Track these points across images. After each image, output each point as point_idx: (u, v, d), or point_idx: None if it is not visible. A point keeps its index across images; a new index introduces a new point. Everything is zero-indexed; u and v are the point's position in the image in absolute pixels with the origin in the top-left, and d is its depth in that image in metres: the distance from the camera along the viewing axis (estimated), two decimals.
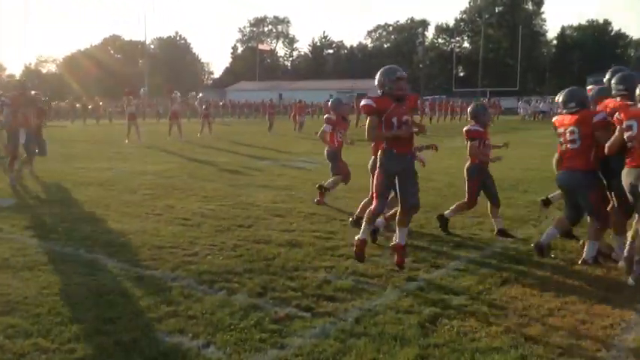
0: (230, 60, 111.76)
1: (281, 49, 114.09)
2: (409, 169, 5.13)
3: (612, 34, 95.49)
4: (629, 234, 5.02)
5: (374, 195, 5.25)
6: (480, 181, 6.54)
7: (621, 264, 5.11)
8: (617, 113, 4.94)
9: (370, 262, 5.38)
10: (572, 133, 5.25)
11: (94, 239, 6.12)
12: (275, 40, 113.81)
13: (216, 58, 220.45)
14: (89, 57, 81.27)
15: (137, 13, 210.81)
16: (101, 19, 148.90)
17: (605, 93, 5.69)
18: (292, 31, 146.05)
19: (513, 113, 52.04)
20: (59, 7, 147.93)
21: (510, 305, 4.29)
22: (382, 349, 3.50)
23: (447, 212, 6.81)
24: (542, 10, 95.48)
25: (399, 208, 5.23)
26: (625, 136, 4.82)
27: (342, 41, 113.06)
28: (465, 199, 6.67)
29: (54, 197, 8.96)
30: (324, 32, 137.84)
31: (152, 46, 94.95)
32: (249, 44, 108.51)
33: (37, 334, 3.65)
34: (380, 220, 6.04)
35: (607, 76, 5.75)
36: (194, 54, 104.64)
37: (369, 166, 6.47)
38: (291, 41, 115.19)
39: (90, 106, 40.39)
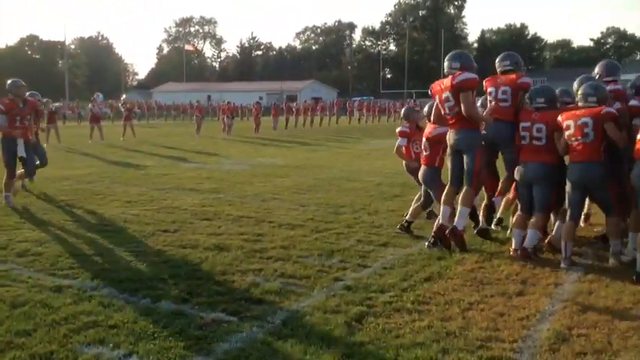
0: (156, 61, 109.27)
1: (208, 50, 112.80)
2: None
3: (529, 37, 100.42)
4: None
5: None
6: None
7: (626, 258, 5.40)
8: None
9: (298, 263, 5.39)
10: (539, 130, 5.58)
11: (8, 249, 5.80)
12: (202, 41, 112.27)
13: (140, 59, 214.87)
14: (4, 57, 77.05)
15: (56, 13, 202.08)
16: (18, 18, 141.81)
17: None
18: (219, 31, 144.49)
19: None
20: None
21: (433, 300, 4.41)
22: (309, 350, 3.50)
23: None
24: (463, 14, 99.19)
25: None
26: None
27: (270, 43, 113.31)
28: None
29: None
30: (252, 33, 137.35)
31: (73, 47, 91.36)
32: (176, 45, 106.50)
33: None
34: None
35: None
36: (117, 54, 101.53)
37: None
38: (218, 42, 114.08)
39: None
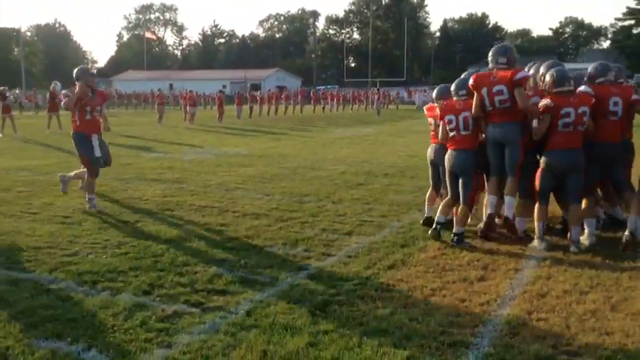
0: (115, 48, 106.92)
1: (170, 38, 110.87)
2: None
3: (490, 26, 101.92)
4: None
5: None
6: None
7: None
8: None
9: (262, 253, 5.36)
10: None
11: None
12: (163, 28, 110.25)
13: (100, 47, 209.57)
14: None
15: None
16: None
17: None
18: (181, 18, 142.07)
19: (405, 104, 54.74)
20: None
21: (396, 288, 4.44)
22: (272, 339, 3.49)
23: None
24: (426, 2, 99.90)
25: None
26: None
27: (233, 30, 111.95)
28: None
29: None
30: (214, 21, 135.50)
31: (29, 34, 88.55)
32: (136, 32, 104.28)
33: None
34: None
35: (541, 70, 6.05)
36: (75, 42, 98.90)
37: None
38: (180, 29, 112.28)
39: None
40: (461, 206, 5.75)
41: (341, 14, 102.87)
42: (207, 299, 4.17)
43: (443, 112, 5.87)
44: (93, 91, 7.56)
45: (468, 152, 5.73)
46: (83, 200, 7.70)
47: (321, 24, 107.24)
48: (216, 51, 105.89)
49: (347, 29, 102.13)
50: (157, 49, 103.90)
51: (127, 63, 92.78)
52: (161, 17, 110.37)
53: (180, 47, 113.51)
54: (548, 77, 5.57)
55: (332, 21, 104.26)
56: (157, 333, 3.57)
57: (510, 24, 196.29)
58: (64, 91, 7.65)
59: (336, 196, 8.30)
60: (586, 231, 5.67)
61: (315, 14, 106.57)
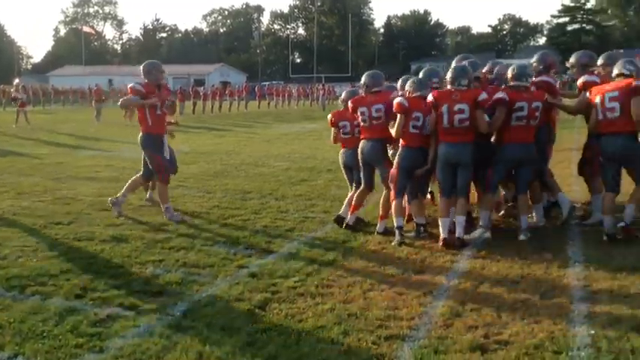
0: (52, 43, 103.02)
1: (109, 32, 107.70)
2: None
3: (432, 23, 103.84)
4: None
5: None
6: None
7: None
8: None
9: (202, 252, 5.28)
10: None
11: None
12: (102, 22, 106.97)
13: (35, 41, 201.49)
14: None
15: None
16: None
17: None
18: (120, 12, 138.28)
19: None
20: None
21: (336, 283, 4.46)
22: (209, 340, 3.44)
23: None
24: None
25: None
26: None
27: (175, 25, 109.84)
28: None
29: None
30: (155, 15, 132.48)
31: None
32: (73, 26, 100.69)
33: None
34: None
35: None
36: (9, 37, 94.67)
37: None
38: (119, 23, 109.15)
39: None
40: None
41: (286, 9, 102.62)
42: (143, 301, 4.07)
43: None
44: (159, 86, 6.84)
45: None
46: (13, 202, 7.39)
47: (266, 19, 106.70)
48: (158, 46, 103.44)
49: (292, 24, 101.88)
50: (95, 43, 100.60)
51: (64, 58, 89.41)
52: (100, 11, 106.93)
53: (121, 42, 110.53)
54: (509, 72, 5.76)
55: (277, 16, 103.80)
56: (88, 338, 3.45)
57: (451, 21, 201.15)
58: (130, 85, 6.74)
59: (279, 192, 8.27)
60: (535, 217, 6.08)
61: (259, 9, 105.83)
